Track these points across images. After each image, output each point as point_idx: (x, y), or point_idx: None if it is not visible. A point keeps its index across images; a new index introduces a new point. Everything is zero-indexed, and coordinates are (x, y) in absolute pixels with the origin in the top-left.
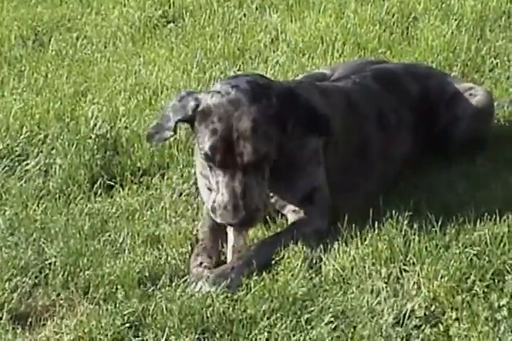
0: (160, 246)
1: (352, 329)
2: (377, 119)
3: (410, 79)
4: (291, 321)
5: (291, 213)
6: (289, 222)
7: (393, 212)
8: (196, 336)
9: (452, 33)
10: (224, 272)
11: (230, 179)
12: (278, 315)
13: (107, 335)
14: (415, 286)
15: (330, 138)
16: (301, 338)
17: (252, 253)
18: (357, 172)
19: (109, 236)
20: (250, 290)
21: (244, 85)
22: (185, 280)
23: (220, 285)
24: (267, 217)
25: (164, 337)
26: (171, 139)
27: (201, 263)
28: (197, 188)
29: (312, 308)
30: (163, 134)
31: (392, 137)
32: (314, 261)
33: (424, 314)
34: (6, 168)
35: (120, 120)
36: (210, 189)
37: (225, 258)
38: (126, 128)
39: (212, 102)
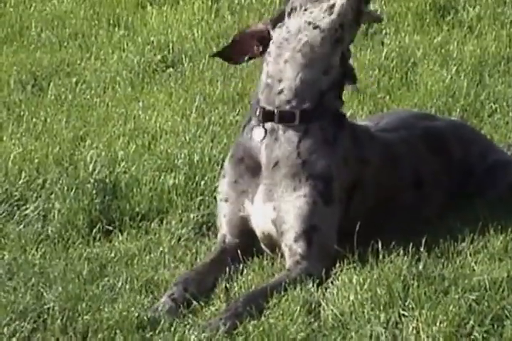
0: (159, 292)
1: None
2: (413, 182)
3: (456, 142)
4: None
5: (288, 252)
6: (286, 264)
7: (392, 256)
8: None
9: (451, 78)
10: (212, 322)
11: None
12: None
13: None
14: (414, 331)
15: (359, 181)
16: None
17: (241, 303)
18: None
19: (108, 280)
20: (249, 335)
21: None
22: (185, 324)
23: (207, 333)
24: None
25: None
26: (170, 183)
27: (171, 295)
28: (195, 233)
29: None
30: None
31: (425, 203)
32: (313, 306)
33: None
34: (5, 213)
35: (119, 165)
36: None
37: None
38: (125, 172)
39: None
